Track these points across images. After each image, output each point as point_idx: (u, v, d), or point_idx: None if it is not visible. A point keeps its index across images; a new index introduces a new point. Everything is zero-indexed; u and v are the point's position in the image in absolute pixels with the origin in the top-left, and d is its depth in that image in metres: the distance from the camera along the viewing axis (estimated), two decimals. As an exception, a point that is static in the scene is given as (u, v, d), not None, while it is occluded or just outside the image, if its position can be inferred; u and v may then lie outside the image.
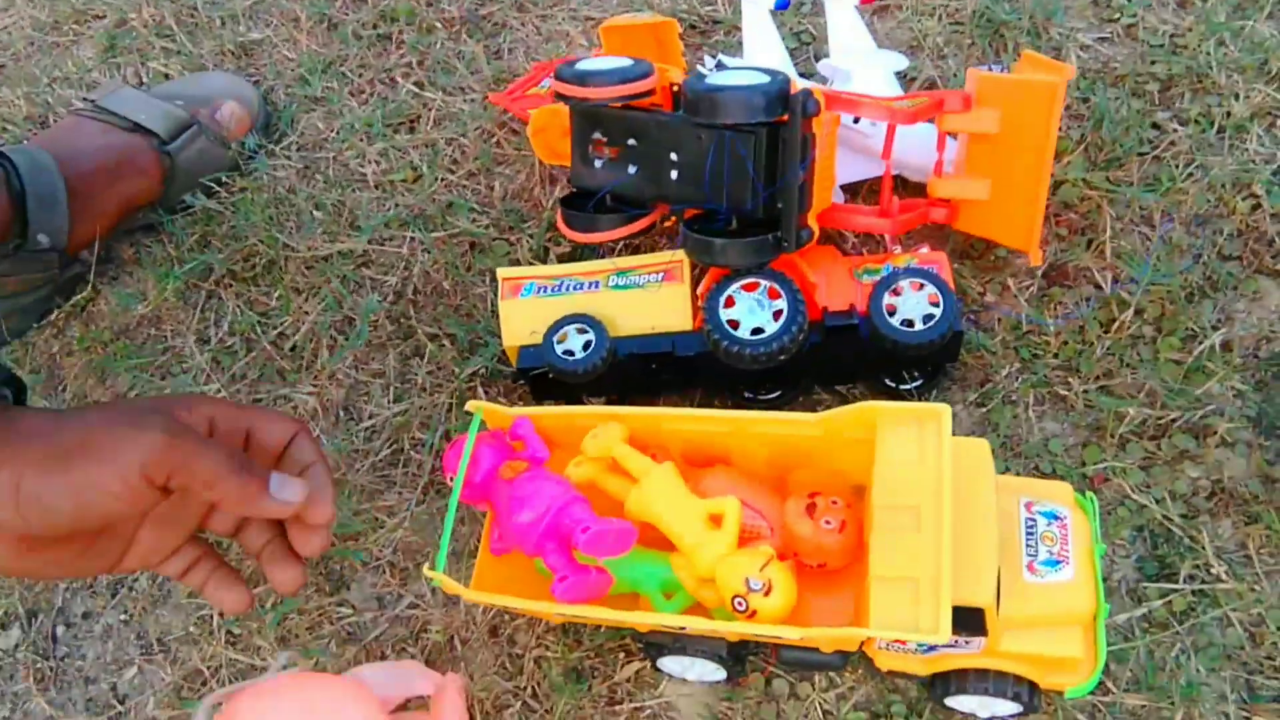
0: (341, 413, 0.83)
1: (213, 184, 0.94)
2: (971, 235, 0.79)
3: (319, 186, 0.94)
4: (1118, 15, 0.92)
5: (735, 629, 0.56)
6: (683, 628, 0.57)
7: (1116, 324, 0.76)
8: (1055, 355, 0.76)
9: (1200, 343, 0.74)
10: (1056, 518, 0.59)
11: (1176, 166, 0.82)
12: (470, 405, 0.65)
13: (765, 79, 0.66)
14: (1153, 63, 0.88)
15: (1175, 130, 0.84)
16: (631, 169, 0.73)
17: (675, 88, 0.71)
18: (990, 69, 0.78)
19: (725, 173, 0.68)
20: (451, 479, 0.63)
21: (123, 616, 0.78)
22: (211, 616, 0.76)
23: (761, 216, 0.69)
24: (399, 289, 0.88)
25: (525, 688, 0.70)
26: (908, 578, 0.53)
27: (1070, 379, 0.75)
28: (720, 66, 0.87)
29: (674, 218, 0.77)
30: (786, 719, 0.67)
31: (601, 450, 0.62)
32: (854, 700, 0.67)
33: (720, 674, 0.66)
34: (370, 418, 0.82)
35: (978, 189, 0.74)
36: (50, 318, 0.93)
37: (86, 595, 0.79)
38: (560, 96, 0.72)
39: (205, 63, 1.05)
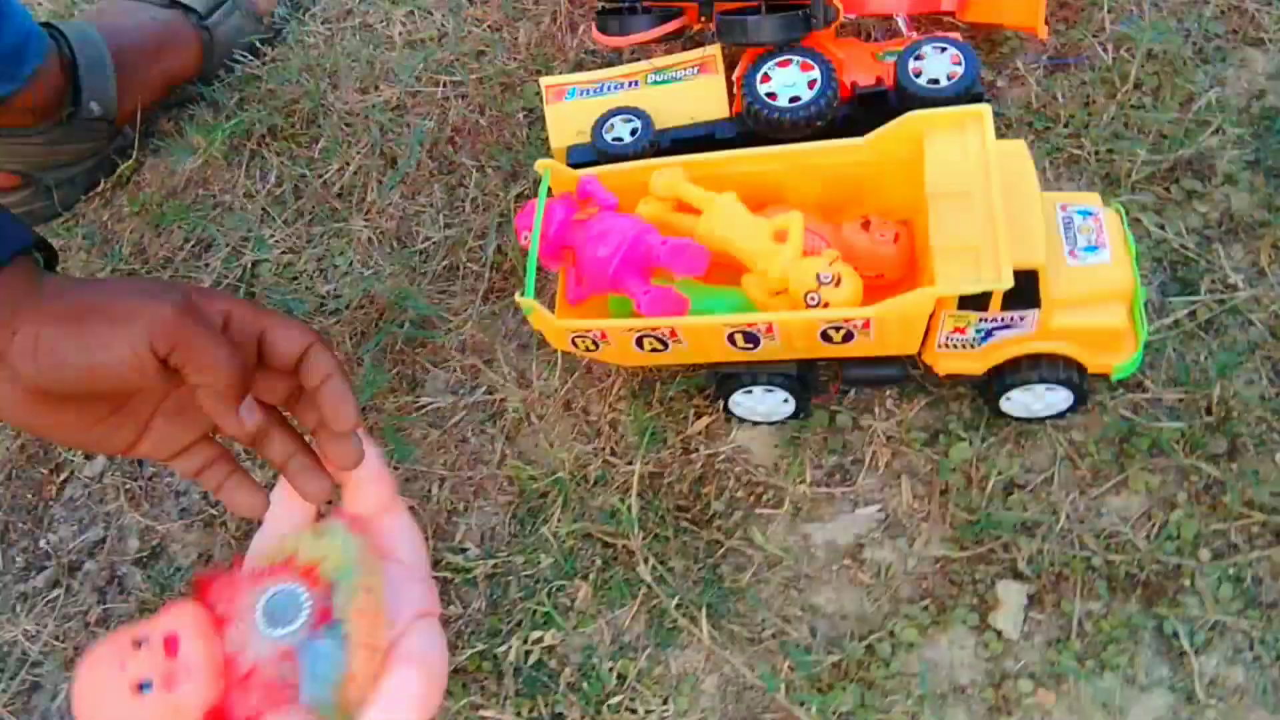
0: (395, 242, 0.87)
1: (247, 52, 0.98)
2: (979, 28, 0.85)
3: (349, 48, 0.98)
4: None
5: (814, 315, 0.60)
6: (769, 326, 0.61)
7: (1120, 92, 0.82)
8: (1066, 125, 0.82)
9: (1197, 100, 0.80)
10: (1091, 214, 0.65)
11: (1160, -44, 0.88)
12: (538, 165, 0.69)
13: None
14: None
15: (1155, -72, 0.90)
16: None
17: None
18: None
19: None
20: (527, 237, 0.67)
21: (202, 436, 0.81)
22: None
23: None
24: (437, 130, 0.92)
25: (604, 448, 0.74)
26: (968, 247, 0.58)
27: (1082, 141, 0.80)
28: None
29: (703, 21, 0.82)
30: (852, 448, 0.72)
31: (668, 188, 0.66)
32: (913, 424, 0.72)
33: (788, 408, 0.70)
34: (424, 241, 0.86)
35: None
36: (97, 189, 0.96)
37: (165, 421, 0.82)
38: None
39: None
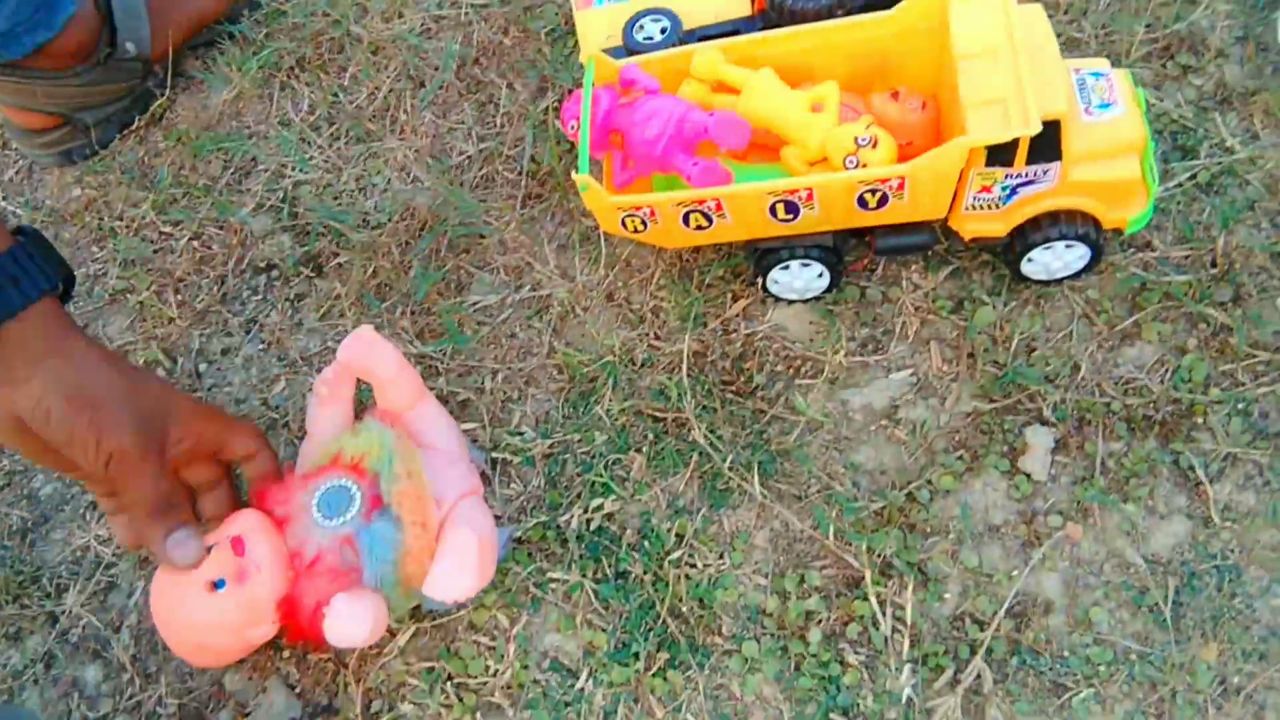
0: (431, 159, 0.91)
1: (269, -11, 1.01)
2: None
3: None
4: None
5: (853, 175, 0.65)
6: (810, 192, 0.66)
7: (1114, -18, 0.87)
8: (1065, 12, 0.86)
9: (1188, -18, 0.85)
10: (1102, 75, 0.69)
11: None
12: (583, 57, 0.73)
13: None
14: None
15: None
16: None
17: None
18: None
19: None
20: (574, 127, 0.71)
21: (260, 347, 0.85)
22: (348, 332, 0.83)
23: None
24: (463, 52, 0.95)
25: (648, 333, 0.79)
26: (996, 99, 0.63)
27: (1083, 25, 0.85)
28: None
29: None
30: (883, 320, 0.77)
31: (707, 68, 0.70)
32: (939, 294, 0.76)
33: (822, 282, 0.75)
34: (459, 154, 0.90)
35: None
36: (132, 127, 0.98)
37: (222, 335, 0.86)
38: None
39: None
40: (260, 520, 0.62)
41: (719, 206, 0.68)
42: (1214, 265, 0.74)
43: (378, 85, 0.95)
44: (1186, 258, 0.74)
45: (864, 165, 0.66)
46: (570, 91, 0.78)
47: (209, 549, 0.61)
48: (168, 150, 0.96)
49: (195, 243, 0.90)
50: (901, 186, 0.66)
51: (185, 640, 0.63)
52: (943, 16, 0.68)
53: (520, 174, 0.88)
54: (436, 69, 0.94)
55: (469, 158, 0.89)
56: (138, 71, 0.96)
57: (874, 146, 0.65)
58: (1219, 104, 0.80)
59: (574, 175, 0.68)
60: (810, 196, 0.67)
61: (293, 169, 0.92)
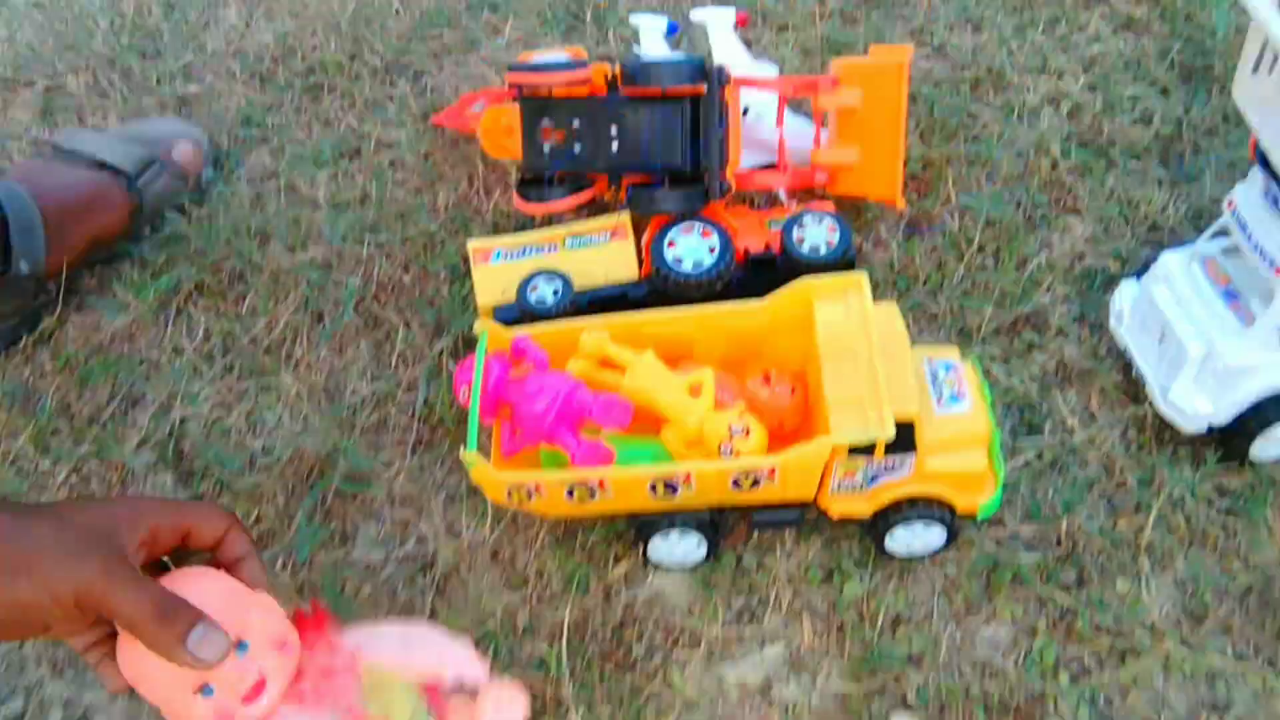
0: (324, 396, 0.92)
1: (175, 210, 1.03)
2: (847, 198, 0.98)
3: (275, 209, 1.05)
4: (930, 38, 1.16)
5: (727, 465, 0.69)
6: (688, 475, 0.70)
7: (966, 256, 0.96)
8: (924, 283, 0.95)
9: (1030, 262, 0.95)
10: (952, 367, 0.76)
11: (993, 140, 1.04)
12: (477, 326, 0.77)
13: (685, 56, 0.84)
14: (963, 69, 1.11)
15: (987, 115, 1.07)
16: (577, 148, 0.88)
17: (608, 76, 0.87)
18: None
19: (658, 137, 0.85)
20: (466, 392, 0.74)
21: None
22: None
23: (689, 173, 0.86)
24: (363, 287, 0.98)
25: (530, 595, 0.80)
26: (856, 400, 0.68)
27: (938, 298, 0.93)
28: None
29: (612, 190, 0.92)
30: (758, 588, 0.80)
31: (595, 347, 0.75)
32: (811, 564, 0.80)
33: (700, 551, 0.78)
34: (353, 394, 0.92)
35: (849, 154, 0.93)
36: (18, 346, 0.97)
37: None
38: (515, 92, 0.87)
39: (150, 113, 1.14)
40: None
41: (602, 484, 0.71)
42: (1059, 544, 0.80)
43: (276, 316, 0.97)
44: (1035, 536, 0.80)
45: (737, 453, 0.70)
46: (454, 354, 0.82)
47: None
48: (53, 374, 0.95)
49: (74, 477, 0.88)
50: (773, 473, 0.70)
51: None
52: (808, 309, 0.75)
53: (413, 418, 0.90)
54: (336, 304, 0.97)
55: (363, 399, 0.91)
56: (29, 290, 0.96)
57: (746, 435, 0.70)
58: (1060, 382, 0.88)
59: (462, 455, 0.70)
60: (688, 478, 0.71)
61: (182, 402, 0.92)
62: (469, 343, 0.93)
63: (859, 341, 0.71)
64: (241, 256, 1.00)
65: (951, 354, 0.78)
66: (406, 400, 0.91)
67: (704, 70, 0.83)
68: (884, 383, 0.69)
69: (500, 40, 1.20)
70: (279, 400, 0.92)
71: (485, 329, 0.76)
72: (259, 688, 0.53)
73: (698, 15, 1.04)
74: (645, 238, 0.88)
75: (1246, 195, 0.74)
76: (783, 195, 0.96)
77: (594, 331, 0.76)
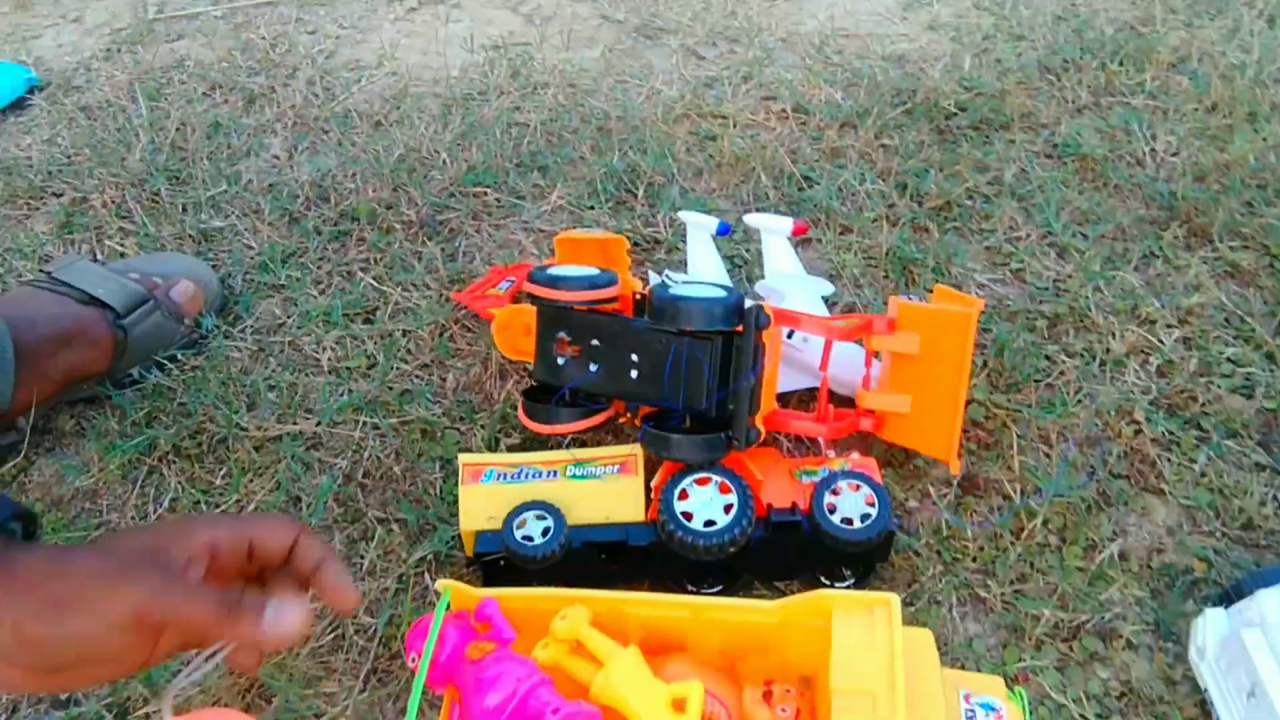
0: (281, 595, 0.82)
1: (166, 360, 0.96)
2: (895, 444, 0.87)
3: (273, 369, 0.97)
4: (1007, 260, 1.06)
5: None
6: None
7: (1025, 532, 0.83)
8: (974, 559, 0.82)
9: (1100, 552, 0.82)
10: (994, 709, 0.63)
11: (1067, 393, 0.93)
12: (439, 584, 0.66)
13: (724, 293, 0.74)
14: (1041, 302, 1.01)
15: (1064, 361, 0.95)
16: (593, 367, 0.79)
17: (637, 295, 0.78)
18: (910, 298, 0.88)
19: (683, 375, 0.75)
20: (415, 659, 0.64)
21: None
22: None
23: (714, 416, 0.76)
24: (349, 472, 0.89)
25: None
26: (868, 764, 0.56)
27: (989, 581, 0.81)
28: (667, 281, 0.96)
29: (629, 415, 0.82)
30: None
31: (569, 632, 0.64)
32: None
33: None
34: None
35: (900, 403, 0.82)
36: (-25, 487, 0.90)
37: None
38: (532, 297, 0.78)
39: (165, 245, 1.08)
40: None
41: (556, 799, 0.60)
42: None
43: (250, 493, 0.88)
44: None
45: (719, 799, 0.58)
46: (419, 617, 0.71)
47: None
48: (3, 525, 0.87)
49: None
50: (760, 821, 0.58)
51: None
52: (826, 616, 0.63)
53: (372, 639, 0.79)
54: (316, 489, 0.88)
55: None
56: (-7, 427, 0.89)
57: (732, 779, 0.58)
58: (1124, 710, 0.75)
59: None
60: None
61: (127, 583, 0.83)
62: (448, 560, 0.83)
63: (880, 681, 0.59)
64: (227, 420, 0.92)
65: (994, 689, 0.65)
66: (368, 620, 0.80)
67: (740, 311, 0.73)
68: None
69: (545, 206, 1.13)
70: (233, 594, 0.82)
71: (448, 589, 0.66)
72: None
73: (752, 220, 0.95)
74: (657, 478, 0.78)
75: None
76: (821, 443, 0.85)
77: (572, 611, 0.65)
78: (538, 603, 0.67)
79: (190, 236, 1.09)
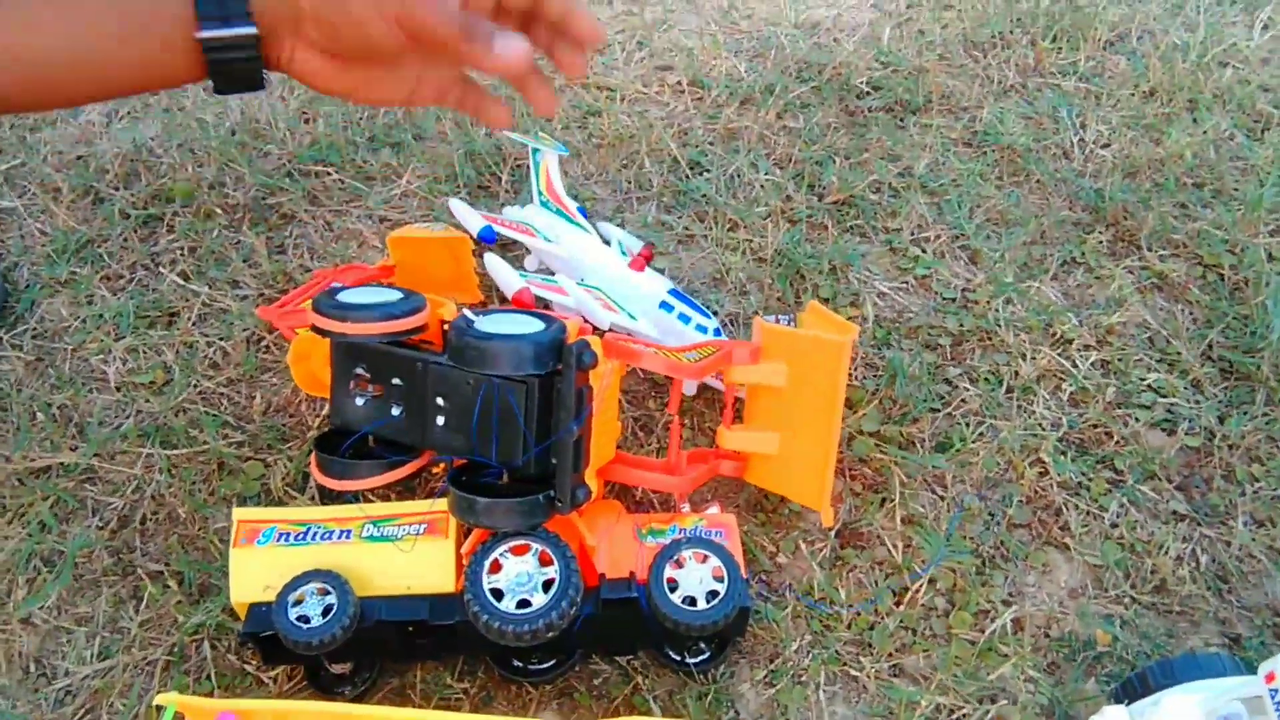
0: (32, 665, 0.69)
1: (-85, 374, 0.81)
2: (763, 489, 0.75)
3: (49, 384, 0.82)
4: (912, 265, 0.94)
5: None
6: None
7: (909, 595, 0.72)
8: (848, 628, 0.71)
9: (992, 620, 0.71)
10: None
11: (967, 426, 0.81)
12: (160, 699, 0.53)
13: (539, 326, 0.61)
14: (945, 316, 0.89)
15: (966, 389, 0.84)
16: (396, 410, 0.65)
17: (447, 326, 0.65)
18: (778, 320, 0.76)
19: (494, 423, 0.62)
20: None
21: None
22: None
23: (534, 473, 0.63)
24: (125, 513, 0.75)
25: None
26: None
27: (862, 657, 0.70)
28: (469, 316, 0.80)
29: (442, 464, 0.70)
30: None
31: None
32: None
33: None
34: (66, 676, 0.68)
35: (766, 442, 0.70)
36: None
37: None
38: (318, 330, 0.64)
39: (-62, 230, 0.92)
40: None
41: None
42: None
43: (2, 540, 0.74)
44: None
45: None
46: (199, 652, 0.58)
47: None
48: None
49: None
50: None
51: None
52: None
53: (131, 725, 0.66)
54: (82, 535, 0.74)
55: (78, 684, 0.68)
56: None
57: None
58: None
59: None
60: None
61: None
62: (229, 627, 0.70)
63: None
64: (-19, 449, 0.78)
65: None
66: (123, 704, 0.67)
67: (558, 348, 0.60)
68: None
69: (394, 189, 0.98)
70: (-30, 668, 0.69)
71: (172, 704, 0.53)
72: None
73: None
74: (468, 544, 0.65)
75: (1297, 681, 0.51)
76: (675, 499, 0.73)
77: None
78: (289, 717, 0.54)
79: (-29, 220, 0.94)
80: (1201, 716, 0.57)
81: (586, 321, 0.78)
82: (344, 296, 0.64)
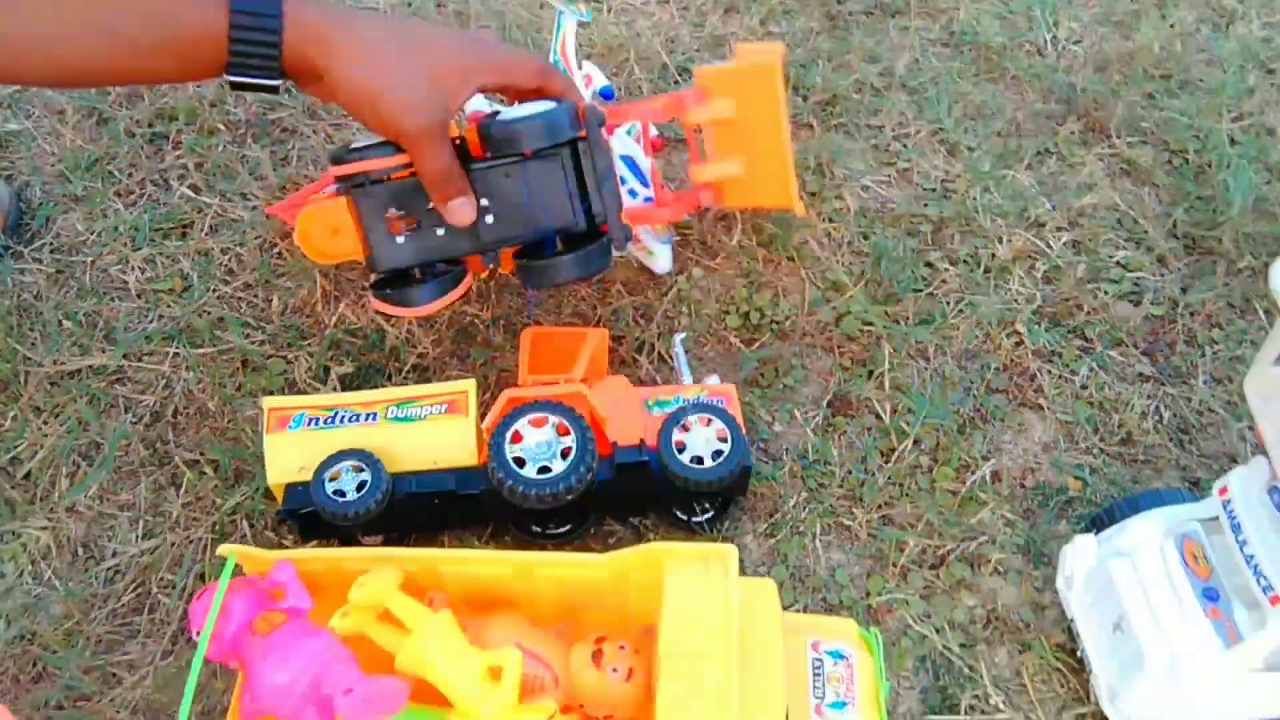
0: (80, 550, 0.74)
1: (-56, 287, 0.84)
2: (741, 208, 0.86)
3: (72, 294, 0.86)
4: (894, 160, 0.98)
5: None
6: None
7: (896, 454, 0.78)
8: (840, 484, 0.77)
9: (973, 473, 0.77)
10: (842, 657, 0.58)
11: (948, 304, 0.87)
12: (222, 549, 0.58)
13: (551, 104, 0.68)
14: (926, 205, 0.94)
15: (946, 270, 0.89)
16: (440, 231, 0.70)
17: (457, 141, 0.69)
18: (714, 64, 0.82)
19: (541, 201, 0.69)
20: (198, 634, 0.56)
21: None
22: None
23: (584, 229, 0.70)
24: (157, 409, 0.80)
25: None
26: (695, 724, 0.50)
27: (854, 509, 0.75)
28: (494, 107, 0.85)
29: (489, 269, 0.75)
30: None
31: (371, 599, 0.56)
32: None
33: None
34: (114, 556, 0.73)
35: (732, 167, 0.76)
36: None
37: None
38: (342, 179, 0.69)
39: (-52, 154, 0.95)
40: None
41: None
42: None
43: (41, 438, 0.78)
44: None
45: (536, 769, 0.52)
46: (205, 585, 0.64)
47: None
48: None
49: None
50: (582, 797, 0.52)
51: None
52: (658, 571, 0.57)
53: (179, 597, 0.71)
54: (118, 430, 0.78)
55: (126, 562, 0.73)
56: None
57: (548, 752, 0.52)
58: (990, 636, 0.71)
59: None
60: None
61: (-103, 546, 0.73)
62: (265, 508, 0.75)
63: (715, 643, 0.53)
64: (14, 353, 0.81)
65: (845, 633, 0.60)
66: (173, 577, 0.72)
67: (576, 116, 0.68)
68: (738, 703, 0.51)
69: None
70: (24, 550, 0.74)
71: (233, 554, 0.58)
72: None
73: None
74: (490, 419, 0.70)
75: (1244, 488, 0.57)
76: (682, 361, 0.78)
77: (375, 576, 0.57)
78: (343, 563, 0.60)
79: (-20, 143, 0.96)
80: (1162, 535, 0.63)
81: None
82: (357, 143, 0.68)
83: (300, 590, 0.57)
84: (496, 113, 0.70)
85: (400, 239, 0.71)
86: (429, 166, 0.65)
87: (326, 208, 0.72)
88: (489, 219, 0.70)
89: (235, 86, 0.62)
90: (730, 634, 0.53)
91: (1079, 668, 0.69)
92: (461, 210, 0.66)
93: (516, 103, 0.71)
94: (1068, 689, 0.69)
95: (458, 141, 0.69)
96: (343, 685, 0.52)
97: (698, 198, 0.79)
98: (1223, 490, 0.58)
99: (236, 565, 0.59)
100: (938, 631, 0.71)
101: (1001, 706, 0.68)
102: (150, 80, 0.61)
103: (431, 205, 0.68)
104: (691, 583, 0.55)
